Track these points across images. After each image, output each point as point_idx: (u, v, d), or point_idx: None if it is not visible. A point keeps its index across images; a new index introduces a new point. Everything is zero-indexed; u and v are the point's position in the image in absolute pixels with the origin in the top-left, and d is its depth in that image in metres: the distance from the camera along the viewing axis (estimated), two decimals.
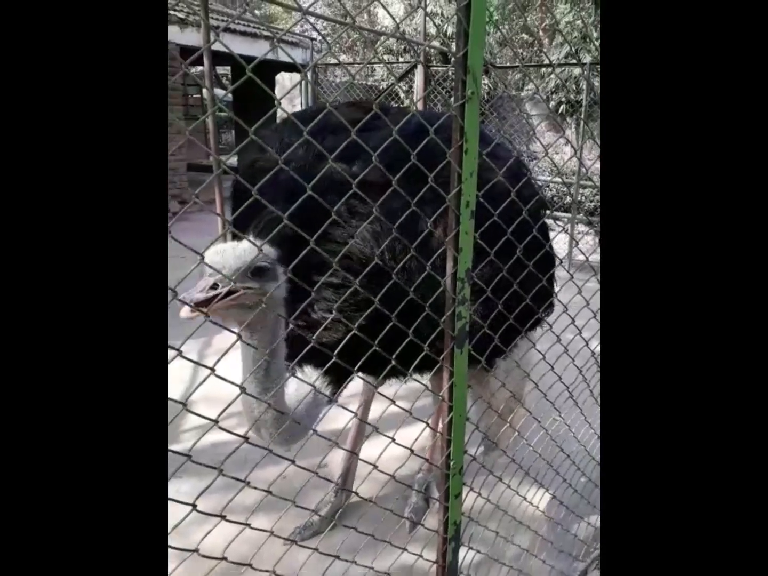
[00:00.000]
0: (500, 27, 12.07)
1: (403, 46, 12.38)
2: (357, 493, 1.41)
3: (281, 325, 1.48)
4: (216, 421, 1.04)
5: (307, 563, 1.71)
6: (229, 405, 1.09)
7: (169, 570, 1.12)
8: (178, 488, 2.29)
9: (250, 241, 1.10)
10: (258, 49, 9.34)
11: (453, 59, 1.22)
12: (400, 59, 12.38)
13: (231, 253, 1.33)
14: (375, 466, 1.40)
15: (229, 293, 1.30)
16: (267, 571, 1.30)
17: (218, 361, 1.02)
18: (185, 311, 1.21)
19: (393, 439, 1.45)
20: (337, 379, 1.80)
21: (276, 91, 7.49)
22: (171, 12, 7.56)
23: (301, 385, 1.72)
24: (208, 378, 0.99)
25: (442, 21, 12.12)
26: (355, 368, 1.37)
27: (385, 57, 12.42)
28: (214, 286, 1.28)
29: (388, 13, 1.05)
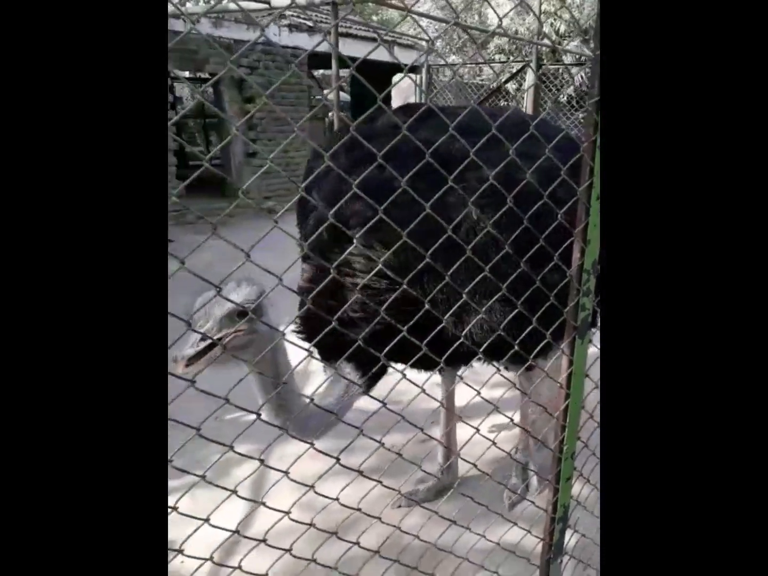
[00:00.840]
0: None
1: (515, 45, 12.09)
2: (475, 465, 1.47)
3: (282, 353, 1.43)
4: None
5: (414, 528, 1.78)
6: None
7: (310, 518, 1.24)
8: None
9: (224, 298, 1.09)
10: (377, 53, 9.48)
11: (592, 57, 1.22)
12: (511, 58, 12.10)
13: (213, 302, 1.25)
14: (493, 443, 1.45)
15: (216, 342, 1.25)
16: (393, 526, 1.38)
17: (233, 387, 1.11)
18: (180, 368, 1.16)
19: (511, 419, 1.49)
20: (375, 374, 1.71)
21: (393, 92, 7.62)
22: (301, 20, 7.91)
23: (332, 382, 1.66)
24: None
25: (555, 19, 11.69)
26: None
27: (497, 57, 12.18)
28: (204, 338, 1.22)
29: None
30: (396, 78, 8.01)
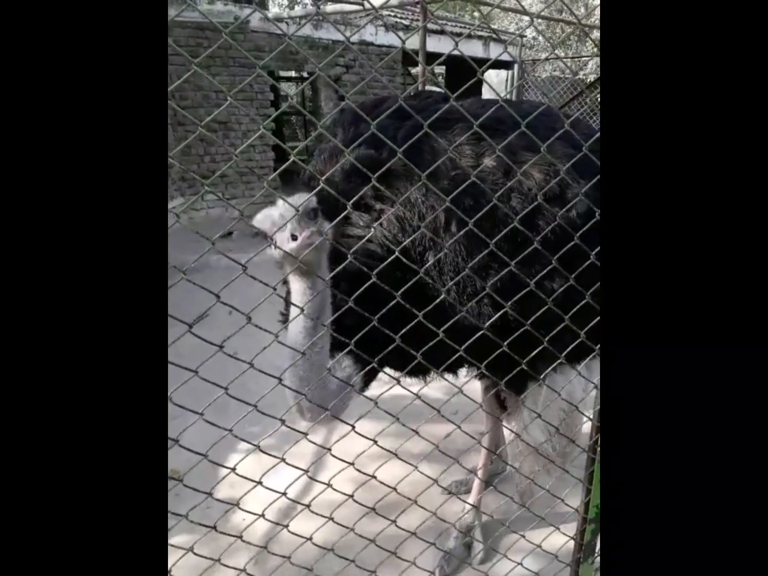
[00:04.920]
0: None
1: None
2: (512, 465, 1.47)
3: (327, 280, 1.34)
4: (397, 380, 1.20)
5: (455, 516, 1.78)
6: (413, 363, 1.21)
7: (359, 496, 1.28)
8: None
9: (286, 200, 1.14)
10: (471, 49, 9.41)
11: None
12: None
13: (285, 207, 1.27)
14: (535, 449, 1.43)
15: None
16: (430, 512, 1.41)
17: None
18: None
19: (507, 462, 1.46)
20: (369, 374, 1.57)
21: (483, 87, 7.50)
22: (396, 20, 7.98)
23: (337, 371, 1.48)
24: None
25: None
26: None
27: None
28: (293, 237, 1.23)
29: None
30: (487, 73, 7.86)
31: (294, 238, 1.23)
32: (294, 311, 1.31)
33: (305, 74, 9.71)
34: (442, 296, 1.19)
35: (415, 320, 1.14)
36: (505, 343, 1.26)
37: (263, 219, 1.28)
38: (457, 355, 1.22)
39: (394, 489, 1.27)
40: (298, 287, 1.32)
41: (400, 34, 7.92)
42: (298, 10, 8.14)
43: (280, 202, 1.26)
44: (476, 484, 2.25)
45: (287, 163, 0.92)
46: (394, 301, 1.11)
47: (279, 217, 1.26)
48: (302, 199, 1.28)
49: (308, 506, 1.21)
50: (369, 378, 1.55)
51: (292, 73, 11.23)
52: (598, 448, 1.45)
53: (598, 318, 1.06)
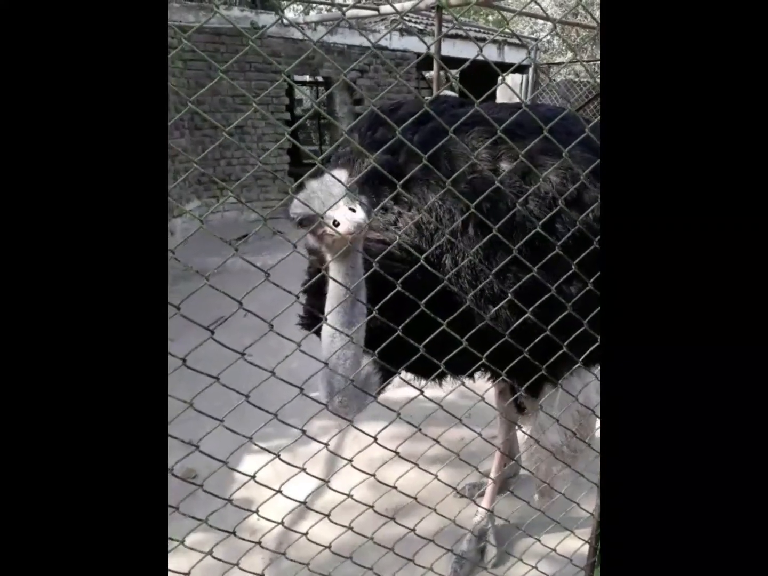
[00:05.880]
0: None
1: None
2: (526, 468, 1.47)
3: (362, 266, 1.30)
4: (421, 391, 1.21)
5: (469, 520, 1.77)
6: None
7: (372, 500, 1.30)
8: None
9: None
10: (486, 53, 9.41)
11: None
12: None
13: (326, 183, 1.20)
14: (553, 453, 1.44)
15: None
16: (448, 518, 1.41)
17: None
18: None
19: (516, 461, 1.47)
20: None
21: (498, 91, 7.50)
22: (411, 24, 8.01)
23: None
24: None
25: None
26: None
27: None
28: (352, 210, 1.13)
29: None
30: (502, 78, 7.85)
31: (352, 210, 1.12)
32: (331, 303, 1.27)
33: (319, 78, 9.77)
34: (466, 304, 1.20)
35: (440, 329, 1.14)
36: (527, 349, 1.27)
37: (308, 200, 1.17)
38: (480, 363, 1.22)
39: (415, 498, 1.27)
40: (338, 270, 1.25)
41: (423, 39, 7.94)
42: (313, 15, 8.22)
43: (313, 183, 1.17)
44: (490, 488, 2.24)
45: (313, 169, 0.94)
46: (418, 311, 1.11)
47: (327, 195, 1.15)
48: (337, 174, 1.20)
49: (327, 515, 1.21)
50: (387, 381, 1.55)
51: (307, 78, 11.31)
52: None
53: None
